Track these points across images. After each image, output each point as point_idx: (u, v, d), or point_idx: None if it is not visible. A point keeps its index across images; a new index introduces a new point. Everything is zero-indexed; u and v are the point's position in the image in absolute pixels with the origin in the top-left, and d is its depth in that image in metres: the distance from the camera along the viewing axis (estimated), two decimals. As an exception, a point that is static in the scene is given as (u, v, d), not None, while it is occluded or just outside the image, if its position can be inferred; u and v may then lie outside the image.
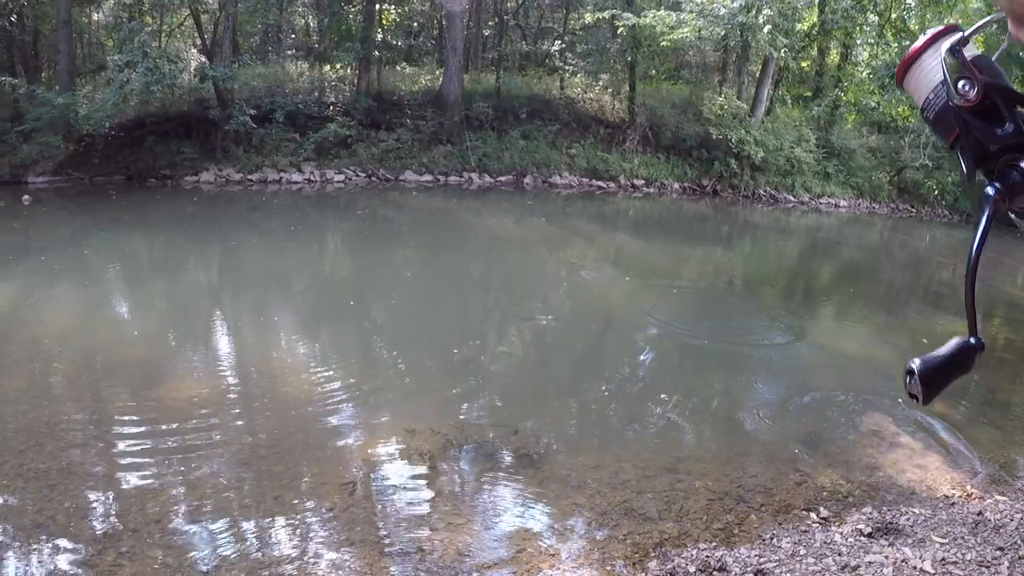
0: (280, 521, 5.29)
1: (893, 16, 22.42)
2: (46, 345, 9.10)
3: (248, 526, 5.25)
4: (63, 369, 8.52)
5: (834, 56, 29.00)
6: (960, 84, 0.69)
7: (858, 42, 27.47)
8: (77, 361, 8.71)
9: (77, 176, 21.44)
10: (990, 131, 0.69)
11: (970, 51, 0.72)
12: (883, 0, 22.21)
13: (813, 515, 5.45)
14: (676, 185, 25.93)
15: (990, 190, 0.68)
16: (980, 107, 0.69)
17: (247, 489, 5.75)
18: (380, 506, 5.50)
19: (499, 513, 5.45)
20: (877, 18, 23.31)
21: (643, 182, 25.79)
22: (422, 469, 6.05)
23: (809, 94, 29.23)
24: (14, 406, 7.28)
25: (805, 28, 26.27)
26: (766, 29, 23.33)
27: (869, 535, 5.08)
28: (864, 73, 25.60)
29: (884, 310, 13.53)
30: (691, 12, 23.70)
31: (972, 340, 0.75)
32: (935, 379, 0.74)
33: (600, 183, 25.59)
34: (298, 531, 5.17)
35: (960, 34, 0.69)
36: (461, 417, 7.11)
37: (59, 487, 5.70)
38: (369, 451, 6.40)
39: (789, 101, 29.67)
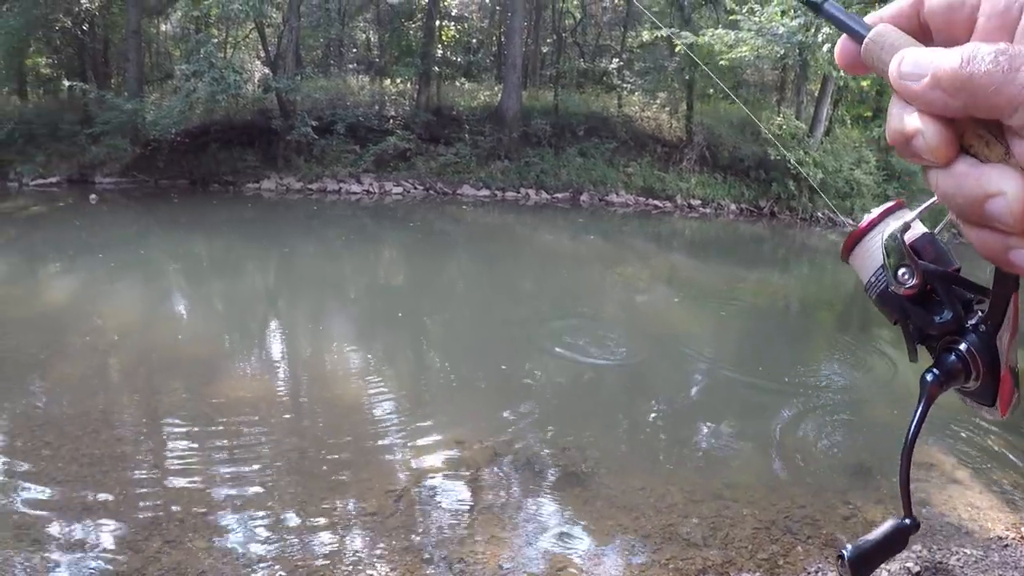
0: (322, 522, 5.30)
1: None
2: (105, 337, 9.38)
3: (290, 525, 5.28)
4: (120, 361, 8.72)
5: None
6: (900, 272, 0.68)
7: (918, 60, 26.91)
8: (134, 354, 8.91)
9: (142, 178, 22.12)
10: (928, 319, 0.69)
11: (915, 230, 0.72)
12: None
13: None
14: (733, 206, 25.61)
15: (928, 376, 0.68)
16: (919, 294, 0.69)
17: (292, 489, 5.78)
18: (424, 515, 5.49)
19: (542, 529, 5.40)
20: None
21: (700, 202, 25.54)
22: (467, 481, 6.02)
23: (869, 114, 28.67)
24: (72, 394, 7.51)
25: (864, 46, 25.81)
26: (825, 48, 22.98)
27: (917, 574, 4.94)
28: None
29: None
30: (749, 31, 23.45)
31: (907, 520, 0.75)
32: (865, 564, 0.74)
33: (656, 202, 25.42)
34: (340, 534, 5.19)
35: (903, 221, 0.69)
36: (509, 431, 7.08)
37: (111, 474, 5.84)
38: (416, 460, 6.40)
39: (849, 121, 29.15)
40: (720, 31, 23.73)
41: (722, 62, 23.84)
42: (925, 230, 0.73)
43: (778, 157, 24.37)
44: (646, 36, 27.25)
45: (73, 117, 22.82)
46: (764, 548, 5.25)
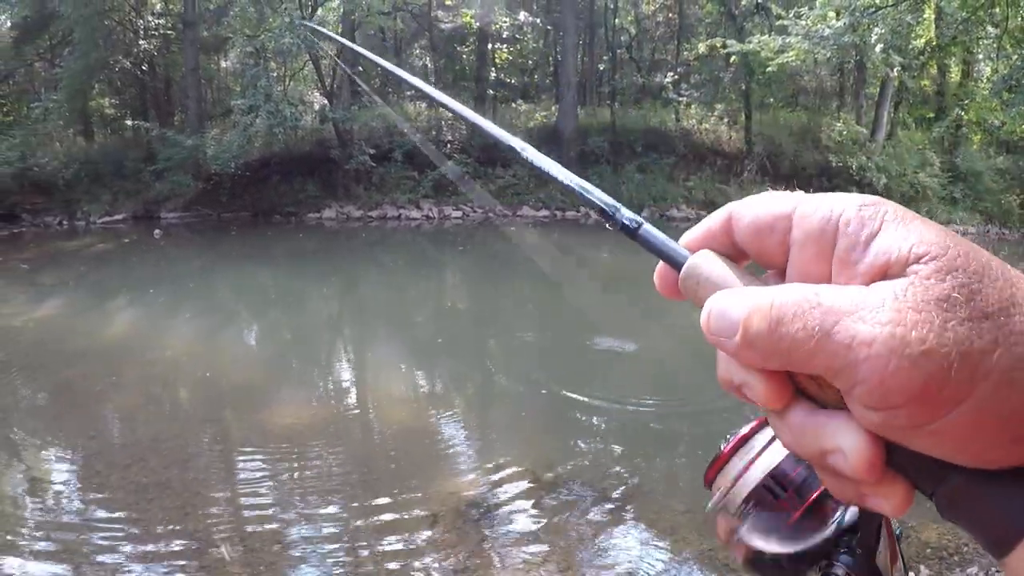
0: (368, 551, 5.20)
1: (1011, 25, 20.92)
2: (162, 368, 9.43)
3: (335, 553, 5.18)
4: (175, 391, 8.80)
5: (955, 73, 27.36)
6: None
7: (979, 57, 26.11)
8: (189, 384, 8.95)
9: (206, 212, 22.45)
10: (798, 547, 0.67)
11: (775, 452, 0.69)
12: (1001, 9, 20.73)
13: (912, 574, 4.90)
14: None
15: None
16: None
17: (338, 516, 5.69)
18: (475, 540, 5.32)
19: (583, 552, 5.23)
20: (995, 29, 21.93)
21: (763, 214, 25.03)
22: (522, 506, 5.84)
23: (931, 115, 27.75)
24: (126, 423, 7.68)
25: (920, 45, 25.10)
26: (879, 48, 22.34)
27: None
28: (985, 89, 24.30)
29: None
30: (796, 35, 22.87)
31: None
32: None
33: (717, 217, 24.95)
34: (388, 562, 5.06)
35: (762, 454, 0.66)
36: (565, 456, 6.82)
37: (156, 501, 5.83)
38: (468, 486, 6.22)
39: (911, 123, 28.33)
40: (766, 37, 23.21)
41: (769, 68, 23.35)
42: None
43: (840, 164, 23.79)
44: (702, 48, 26.87)
45: (137, 155, 23.36)
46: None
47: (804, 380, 0.46)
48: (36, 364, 9.52)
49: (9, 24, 26.64)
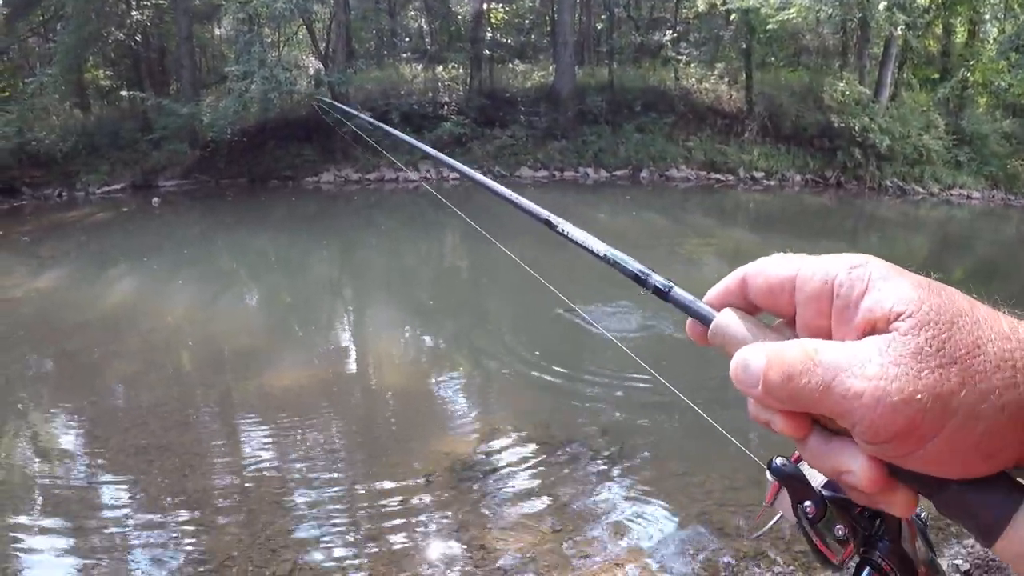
0: (367, 511, 5.26)
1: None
2: (163, 334, 9.54)
3: (334, 513, 5.25)
4: (175, 356, 8.91)
5: (961, 33, 26.68)
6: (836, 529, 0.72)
7: (986, 17, 25.71)
8: (189, 350, 9.07)
9: (204, 179, 22.50)
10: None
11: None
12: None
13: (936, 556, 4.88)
14: (798, 177, 24.69)
15: None
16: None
17: (337, 477, 5.78)
18: (472, 499, 5.41)
19: (577, 512, 5.27)
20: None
21: (763, 174, 24.73)
22: (518, 466, 5.91)
23: (936, 76, 27.17)
24: (127, 388, 7.81)
25: (925, 3, 24.72)
26: (882, 5, 22.03)
27: (967, 572, 4.58)
28: (991, 50, 23.97)
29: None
30: None
31: None
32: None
33: (718, 176, 24.77)
34: (387, 521, 5.11)
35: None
36: (556, 415, 6.91)
37: (156, 463, 5.96)
38: (466, 446, 6.29)
39: (916, 84, 27.83)
40: (767, -6, 22.87)
41: (770, 26, 23.06)
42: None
43: (842, 124, 23.53)
44: (701, 5, 26.50)
45: (133, 125, 23.38)
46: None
47: (817, 414, 0.56)
48: (38, 334, 9.60)
49: (1, 1, 26.48)
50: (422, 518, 5.14)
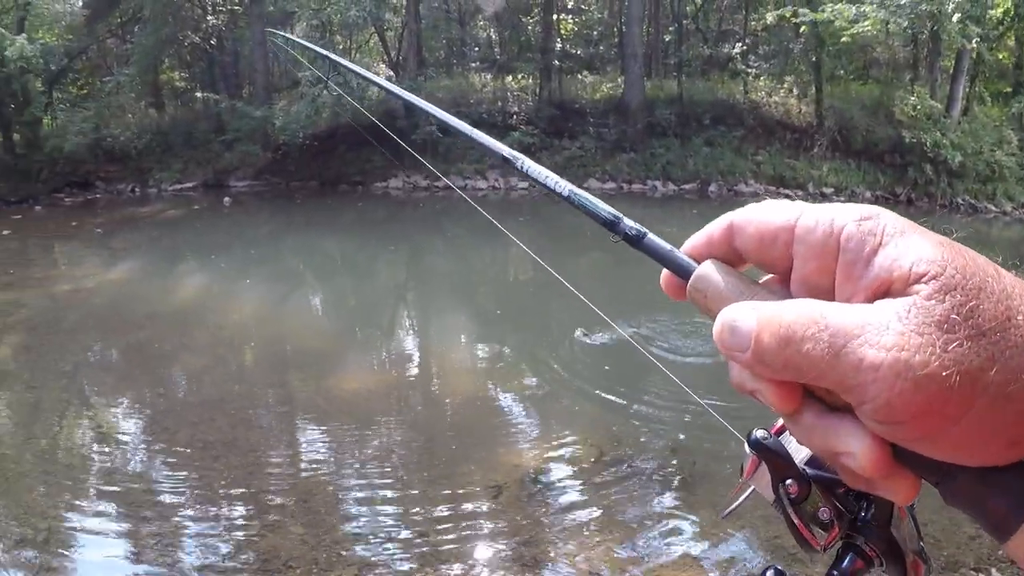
0: (427, 517, 5.16)
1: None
2: (230, 332, 9.57)
3: (395, 518, 5.18)
4: (243, 353, 8.94)
5: None
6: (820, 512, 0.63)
7: (1061, 29, 24.81)
8: (257, 347, 9.07)
9: (274, 181, 22.84)
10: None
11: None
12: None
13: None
14: (868, 193, 23.91)
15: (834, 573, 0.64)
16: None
17: (399, 483, 5.68)
18: (535, 513, 5.27)
19: (646, 531, 5.08)
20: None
21: (832, 190, 24.09)
22: (583, 481, 5.75)
23: (1009, 89, 26.27)
24: (195, 383, 7.80)
25: (999, 15, 23.96)
26: (955, 17, 21.36)
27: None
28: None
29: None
30: (871, 4, 21.94)
31: None
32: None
33: (788, 191, 24.17)
34: (447, 531, 4.99)
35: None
36: (622, 432, 6.70)
37: (222, 459, 5.94)
38: (530, 459, 6.14)
39: (988, 99, 27.00)
40: (841, 6, 22.35)
41: (844, 39, 22.54)
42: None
43: (914, 140, 22.88)
44: (769, 18, 26.06)
45: (207, 126, 23.88)
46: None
47: (814, 386, 0.48)
48: (109, 324, 9.71)
49: (82, 3, 27.19)
50: (484, 529, 5.03)
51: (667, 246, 0.59)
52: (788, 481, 0.60)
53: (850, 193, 23.79)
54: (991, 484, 0.45)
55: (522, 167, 0.73)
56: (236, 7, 26.72)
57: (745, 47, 27.32)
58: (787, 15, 23.65)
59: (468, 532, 4.93)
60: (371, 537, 4.92)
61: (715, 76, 28.56)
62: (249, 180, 22.72)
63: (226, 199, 20.13)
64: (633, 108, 24.99)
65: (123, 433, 6.71)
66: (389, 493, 5.48)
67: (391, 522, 5.10)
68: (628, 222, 0.62)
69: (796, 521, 0.60)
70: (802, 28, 23.93)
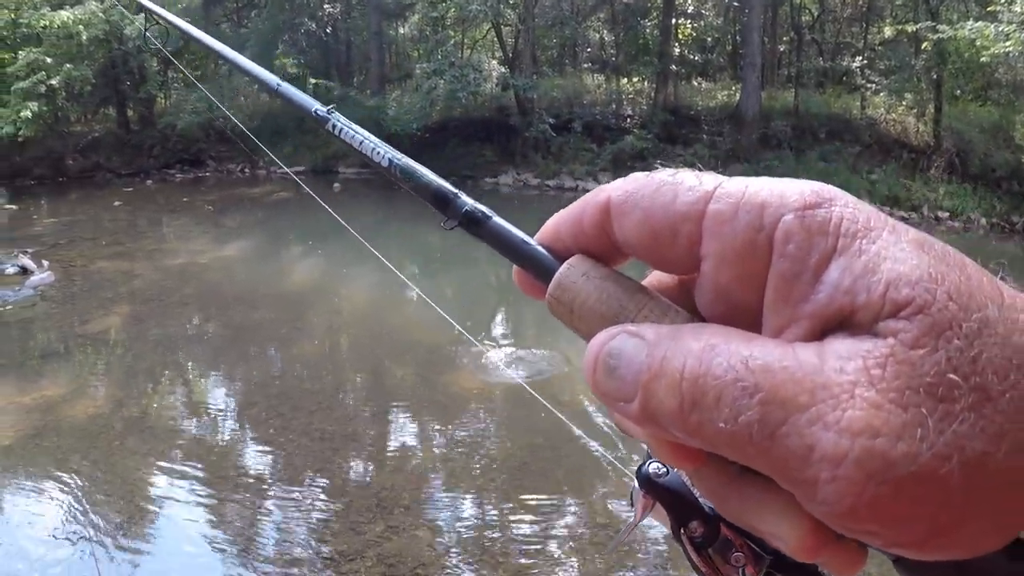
0: (531, 520, 4.98)
1: None
2: (344, 317, 9.50)
3: (508, 519, 5.01)
4: (357, 341, 8.75)
5: None
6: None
7: None
8: (371, 336, 8.82)
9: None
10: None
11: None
12: None
13: None
14: (983, 220, 22.70)
15: None
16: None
17: (512, 486, 5.44)
18: (616, 552, 4.97)
19: None
20: None
21: (947, 214, 22.79)
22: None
23: None
24: (309, 369, 7.60)
25: None
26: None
27: None
28: None
29: None
30: (1010, 23, 20.54)
31: None
32: None
33: (901, 213, 22.87)
34: (547, 533, 4.87)
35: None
36: None
37: (341, 452, 5.74)
38: (617, 493, 5.75)
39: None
40: (979, 24, 21.12)
41: (983, 58, 21.30)
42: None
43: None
44: (888, 32, 24.93)
45: (319, 112, 23.96)
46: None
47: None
48: (223, 301, 9.70)
49: (200, -13, 27.81)
50: (563, 561, 4.71)
51: (520, 234, 0.44)
52: (692, 523, 0.46)
53: (965, 219, 22.53)
54: (975, 569, 0.31)
55: (334, 128, 0.58)
56: (353, -4, 26.94)
57: (864, 61, 26.31)
58: (910, 30, 22.61)
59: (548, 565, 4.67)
60: (471, 539, 4.74)
61: (831, 89, 27.58)
62: (357, 167, 22.86)
63: (336, 185, 20.28)
64: (749, 118, 24.22)
65: (242, 418, 6.54)
66: (475, 502, 5.24)
67: (493, 525, 4.91)
68: (467, 199, 0.46)
69: (704, 570, 0.46)
70: (924, 44, 22.84)
